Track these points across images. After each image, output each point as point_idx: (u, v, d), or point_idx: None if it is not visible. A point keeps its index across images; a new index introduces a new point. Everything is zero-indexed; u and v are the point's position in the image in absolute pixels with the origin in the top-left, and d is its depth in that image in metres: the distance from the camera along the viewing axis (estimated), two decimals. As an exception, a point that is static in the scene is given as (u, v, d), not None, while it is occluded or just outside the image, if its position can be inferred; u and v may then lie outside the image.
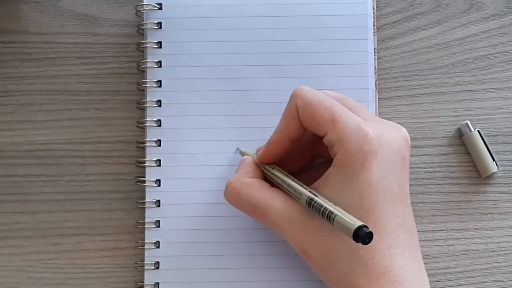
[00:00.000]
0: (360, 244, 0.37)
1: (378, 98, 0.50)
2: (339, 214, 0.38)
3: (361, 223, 0.37)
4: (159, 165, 0.48)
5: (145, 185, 0.48)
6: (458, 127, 0.50)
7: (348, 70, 0.49)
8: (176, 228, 0.48)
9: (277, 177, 0.43)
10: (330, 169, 0.41)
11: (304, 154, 0.46)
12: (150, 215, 0.48)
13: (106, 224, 0.49)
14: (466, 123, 0.49)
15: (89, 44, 0.51)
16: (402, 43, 0.51)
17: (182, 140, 0.48)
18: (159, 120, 0.49)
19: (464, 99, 0.51)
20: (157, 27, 0.50)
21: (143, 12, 0.50)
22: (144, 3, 0.50)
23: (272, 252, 0.47)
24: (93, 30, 0.51)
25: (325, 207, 0.39)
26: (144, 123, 0.49)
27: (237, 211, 0.47)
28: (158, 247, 0.48)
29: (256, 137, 0.48)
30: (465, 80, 0.51)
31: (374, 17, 0.50)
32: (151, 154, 0.49)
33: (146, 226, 0.48)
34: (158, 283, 0.47)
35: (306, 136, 0.45)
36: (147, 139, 0.49)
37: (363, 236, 0.36)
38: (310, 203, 0.40)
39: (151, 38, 0.50)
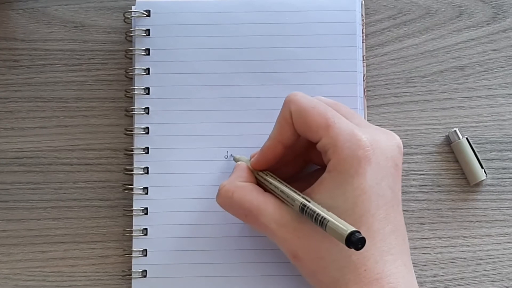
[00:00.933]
0: (352, 250, 0.37)
1: (367, 106, 0.50)
2: (331, 219, 0.38)
3: (353, 229, 0.37)
4: (147, 173, 0.48)
5: (132, 193, 0.48)
6: (447, 134, 0.50)
7: (337, 78, 0.49)
8: (164, 236, 0.48)
9: (270, 183, 0.43)
10: (324, 174, 0.41)
11: (297, 160, 0.46)
12: (138, 223, 0.48)
13: (94, 232, 0.49)
14: (455, 131, 0.49)
15: (76, 51, 0.51)
16: (390, 50, 0.51)
17: (170, 148, 0.48)
18: (147, 128, 0.49)
19: (452, 107, 0.51)
20: (145, 34, 0.49)
21: (131, 19, 0.50)
22: (132, 10, 0.50)
23: (261, 260, 0.47)
24: (81, 37, 0.51)
25: (318, 213, 0.39)
26: (132, 131, 0.49)
27: (225, 219, 0.47)
28: (146, 255, 0.47)
29: (244, 144, 0.48)
30: (453, 88, 0.51)
31: (363, 25, 0.50)
32: (139, 162, 0.48)
33: (134, 234, 0.48)
34: (145, 291, 0.47)
35: (299, 142, 0.44)
36: (135, 147, 0.48)
37: (355, 241, 0.36)
38: (303, 209, 0.40)
39: (139, 45, 0.49)
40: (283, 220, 0.41)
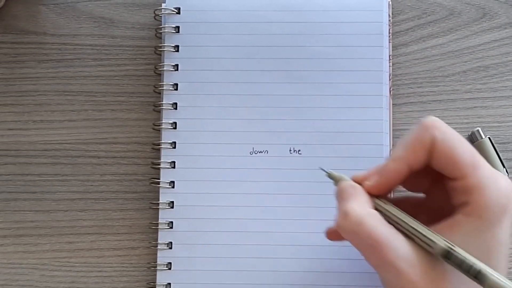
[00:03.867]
0: None
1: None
2: (492, 274, 0.35)
3: None
4: (174, 167, 0.49)
5: (159, 186, 0.49)
6: (469, 134, 0.51)
7: (363, 77, 0.49)
8: (189, 230, 0.48)
9: (394, 214, 0.38)
10: (460, 216, 0.38)
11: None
12: (164, 216, 0.49)
13: (120, 224, 0.50)
14: (477, 130, 0.50)
15: (105, 46, 0.52)
16: (415, 50, 0.52)
17: (197, 143, 0.49)
18: (175, 123, 0.49)
19: (475, 107, 0.51)
20: (174, 31, 0.50)
21: (161, 16, 0.51)
22: (162, 7, 0.50)
23: (283, 256, 0.48)
24: (110, 33, 0.52)
25: (472, 264, 0.35)
26: (160, 125, 0.49)
27: (249, 214, 0.47)
28: (171, 248, 0.48)
29: (269, 141, 0.49)
30: (476, 88, 0.51)
31: (389, 25, 0.50)
32: (166, 156, 0.49)
33: (159, 227, 0.48)
34: (170, 284, 0.48)
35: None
36: (162, 141, 0.49)
37: None
38: (447, 255, 0.36)
39: (168, 42, 0.50)
40: (414, 261, 0.36)
